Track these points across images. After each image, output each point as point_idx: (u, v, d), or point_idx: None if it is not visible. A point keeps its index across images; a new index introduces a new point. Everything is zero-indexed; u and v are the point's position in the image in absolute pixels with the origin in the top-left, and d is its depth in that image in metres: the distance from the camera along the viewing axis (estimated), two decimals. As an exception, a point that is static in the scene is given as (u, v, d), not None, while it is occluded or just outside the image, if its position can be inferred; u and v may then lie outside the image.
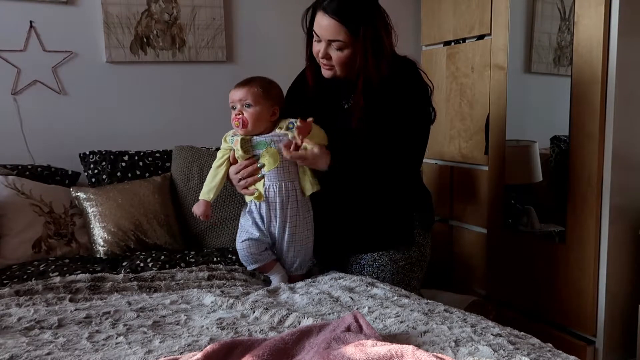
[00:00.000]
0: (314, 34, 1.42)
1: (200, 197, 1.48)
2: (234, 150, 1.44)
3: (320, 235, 1.55)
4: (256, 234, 1.45)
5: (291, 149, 1.39)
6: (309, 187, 1.45)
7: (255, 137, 1.44)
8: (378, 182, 1.48)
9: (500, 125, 2.08)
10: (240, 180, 1.44)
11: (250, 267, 1.49)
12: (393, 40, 1.44)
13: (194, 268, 1.58)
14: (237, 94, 1.41)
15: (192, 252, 1.81)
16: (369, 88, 1.42)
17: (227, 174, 1.46)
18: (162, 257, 1.74)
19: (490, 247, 2.17)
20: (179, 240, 1.91)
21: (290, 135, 1.42)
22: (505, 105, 2.06)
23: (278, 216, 1.43)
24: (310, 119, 1.41)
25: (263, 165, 1.42)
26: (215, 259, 1.73)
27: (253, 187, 1.43)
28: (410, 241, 1.57)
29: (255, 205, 1.44)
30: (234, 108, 1.42)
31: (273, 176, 1.43)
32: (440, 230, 2.37)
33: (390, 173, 1.47)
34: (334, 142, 1.44)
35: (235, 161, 1.46)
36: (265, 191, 1.43)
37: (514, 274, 2.08)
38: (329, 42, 1.40)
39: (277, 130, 1.43)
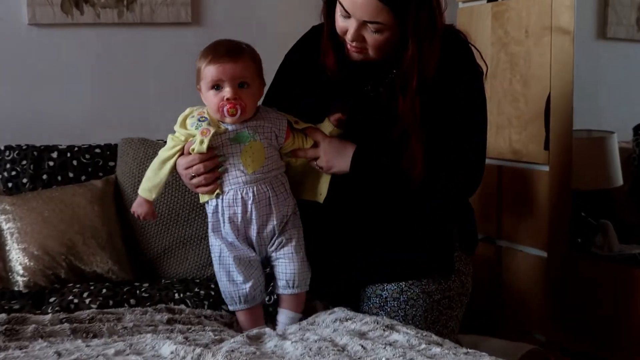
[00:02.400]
0: (341, 6, 1.43)
1: (139, 193, 1.51)
2: (193, 140, 1.45)
3: (325, 257, 1.57)
4: (240, 246, 1.48)
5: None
6: (323, 189, 1.53)
7: (231, 127, 1.46)
8: (422, 196, 1.52)
9: (566, 110, 2.07)
10: (192, 177, 1.46)
11: (233, 308, 1.52)
12: (443, 8, 1.47)
13: (148, 308, 1.58)
14: (227, 70, 1.42)
15: (146, 285, 1.80)
16: (423, 83, 1.44)
17: (173, 169, 1.50)
18: (104, 290, 1.73)
19: (553, 276, 2.16)
20: (126, 267, 1.89)
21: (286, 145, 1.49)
22: (571, 82, 2.04)
23: (257, 222, 1.48)
24: (337, 115, 1.51)
25: (224, 160, 1.45)
26: (176, 294, 1.74)
27: (211, 186, 1.46)
28: (449, 267, 1.58)
29: (222, 206, 1.47)
30: (217, 88, 1.43)
31: (256, 177, 1.46)
32: (485, 253, 2.33)
33: (440, 190, 1.51)
34: (357, 139, 1.49)
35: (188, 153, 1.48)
36: (240, 195, 1.46)
37: (585, 313, 2.07)
38: (364, 22, 1.42)
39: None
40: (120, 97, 2.29)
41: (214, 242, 1.51)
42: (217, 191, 1.47)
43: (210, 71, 1.42)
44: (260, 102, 1.54)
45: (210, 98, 1.44)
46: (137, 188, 1.94)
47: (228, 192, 1.46)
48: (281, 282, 1.52)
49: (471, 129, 1.52)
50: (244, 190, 1.46)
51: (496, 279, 2.36)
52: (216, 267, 1.52)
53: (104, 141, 2.11)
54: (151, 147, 2.01)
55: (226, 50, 1.44)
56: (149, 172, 1.51)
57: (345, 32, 1.45)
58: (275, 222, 1.48)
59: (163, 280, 1.89)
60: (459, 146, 1.50)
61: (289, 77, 1.64)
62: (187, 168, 1.46)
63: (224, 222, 1.48)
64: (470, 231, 1.70)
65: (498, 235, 2.36)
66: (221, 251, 1.50)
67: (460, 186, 1.54)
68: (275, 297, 1.60)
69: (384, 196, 1.55)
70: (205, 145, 1.43)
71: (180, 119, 1.49)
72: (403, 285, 1.56)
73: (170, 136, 1.51)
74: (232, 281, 1.50)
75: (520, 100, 2.24)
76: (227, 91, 1.42)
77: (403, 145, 1.47)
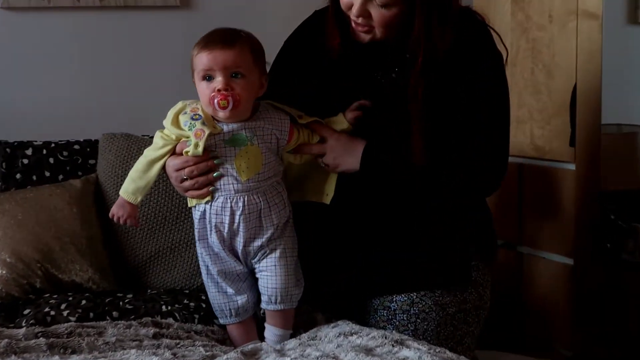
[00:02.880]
0: None
1: (121, 194, 1.51)
2: (188, 143, 1.45)
3: (328, 264, 1.58)
4: (226, 258, 1.49)
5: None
6: (330, 191, 1.53)
7: (227, 127, 1.45)
8: (434, 194, 1.52)
9: (593, 102, 2.08)
10: (183, 180, 1.46)
11: (223, 321, 1.54)
12: None
13: (132, 322, 1.57)
14: (220, 58, 1.42)
15: (130, 296, 1.78)
16: (429, 65, 1.45)
17: (162, 171, 1.50)
18: (84, 302, 1.71)
19: (579, 285, 2.15)
20: (109, 276, 1.88)
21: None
22: (599, 72, 2.05)
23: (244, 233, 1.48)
24: (355, 113, 1.51)
25: (220, 163, 1.45)
26: (163, 306, 1.71)
27: (203, 191, 1.46)
28: (465, 277, 1.58)
29: (210, 213, 1.48)
30: (208, 78, 1.43)
31: (249, 186, 1.45)
32: (504, 260, 2.35)
33: (458, 185, 1.51)
34: (366, 132, 1.50)
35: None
36: (230, 204, 1.46)
37: (616, 325, 2.06)
38: None
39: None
40: (101, 88, 2.29)
41: (201, 252, 1.52)
42: (207, 197, 1.47)
43: (201, 59, 1.42)
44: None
45: (202, 90, 1.44)
46: (119, 189, 1.91)
47: (217, 199, 1.47)
48: (264, 297, 1.53)
49: (491, 120, 1.50)
50: (234, 199, 1.46)
51: (517, 289, 2.35)
52: (204, 277, 1.53)
53: (83, 137, 2.09)
54: (135, 144, 1.99)
55: (220, 37, 1.44)
56: (133, 173, 1.50)
57: (350, 7, 1.45)
58: (264, 238, 1.48)
59: (149, 291, 1.86)
60: (475, 140, 1.49)
61: (289, 65, 1.64)
62: (178, 170, 1.46)
63: (210, 230, 1.49)
64: (489, 237, 1.69)
65: (519, 241, 2.35)
66: (207, 263, 1.52)
67: (476, 185, 1.53)
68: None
69: (394, 197, 1.55)
70: (200, 149, 1.43)
71: (171, 114, 1.48)
72: (414, 297, 1.56)
73: (159, 133, 1.50)
74: (222, 292, 1.52)
75: (543, 92, 2.22)
76: (218, 81, 1.42)
77: (402, 135, 1.48)
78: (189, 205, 1.51)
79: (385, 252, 1.57)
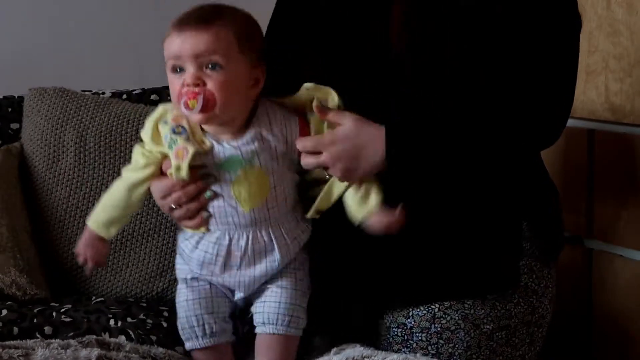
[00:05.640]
0: None
1: (90, 226, 1.52)
2: (169, 163, 1.46)
3: (326, 273, 1.58)
4: (206, 281, 1.53)
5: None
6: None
7: (219, 147, 1.46)
8: (482, 164, 1.53)
9: None
10: (174, 208, 1.50)
11: (190, 345, 1.53)
12: None
13: (70, 340, 1.55)
14: (189, 42, 1.42)
15: (67, 306, 1.80)
16: None
17: (146, 195, 1.53)
18: (5, 312, 1.72)
19: None
20: (39, 280, 1.87)
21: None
22: None
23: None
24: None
25: (210, 183, 1.47)
26: (112, 321, 1.72)
27: (196, 220, 1.50)
28: (510, 281, 1.58)
29: (202, 244, 1.52)
30: (177, 71, 1.44)
31: (255, 219, 1.48)
32: (568, 258, 2.28)
33: (513, 146, 1.53)
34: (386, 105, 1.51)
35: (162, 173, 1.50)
36: (228, 239, 1.49)
37: None
38: None
39: (267, 130, 1.48)
40: (26, 29, 2.32)
41: (181, 267, 1.57)
42: (202, 228, 1.50)
43: (170, 44, 1.44)
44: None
45: (172, 85, 1.45)
46: (54, 163, 1.95)
47: (213, 233, 1.50)
48: (259, 316, 1.53)
49: (557, 39, 1.52)
50: (236, 235, 1.48)
51: (584, 295, 2.34)
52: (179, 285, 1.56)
53: (2, 93, 2.12)
54: (73, 102, 2.01)
55: (195, 15, 1.45)
56: (106, 199, 1.52)
57: None
58: (267, 275, 1.52)
59: (94, 299, 1.87)
60: (538, 56, 1.50)
61: (286, 23, 1.68)
62: (164, 197, 1.49)
63: (200, 265, 1.52)
64: (551, 225, 1.68)
65: (588, 233, 2.33)
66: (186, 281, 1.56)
67: (540, 124, 1.55)
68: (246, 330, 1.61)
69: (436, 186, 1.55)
70: (184, 172, 1.44)
71: (149, 125, 1.49)
72: (436, 310, 1.56)
73: (139, 148, 1.51)
74: (198, 300, 1.53)
75: (623, 33, 2.21)
76: (188, 73, 1.42)
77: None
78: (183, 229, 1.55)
79: (398, 252, 1.57)
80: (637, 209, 2.22)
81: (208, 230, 1.49)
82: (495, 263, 1.57)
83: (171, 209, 1.50)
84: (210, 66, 1.41)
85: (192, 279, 1.54)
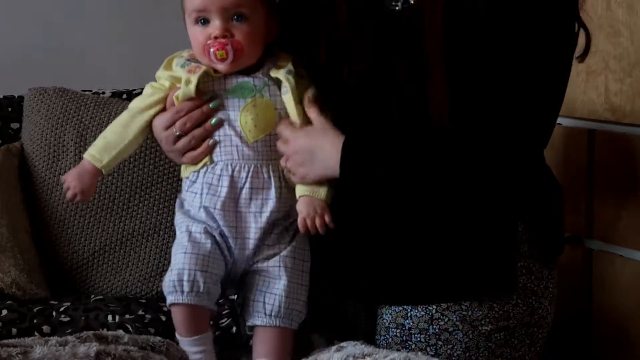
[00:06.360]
0: None
1: (85, 157, 1.54)
2: (179, 88, 1.49)
3: (323, 270, 1.58)
4: (208, 236, 1.51)
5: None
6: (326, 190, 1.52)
7: (232, 76, 1.49)
8: (466, 171, 1.50)
9: None
10: (176, 138, 1.51)
11: (173, 298, 1.51)
12: None
13: (68, 337, 1.49)
14: None
15: (67, 304, 1.81)
16: None
17: (149, 128, 1.54)
18: (5, 312, 1.75)
19: None
20: (38, 279, 1.89)
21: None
22: None
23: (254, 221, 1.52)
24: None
25: (218, 105, 1.49)
26: (110, 316, 1.74)
27: (201, 149, 1.50)
28: (508, 285, 1.57)
29: (203, 183, 1.51)
30: (203, 22, 1.47)
31: (258, 152, 1.49)
32: (568, 259, 2.25)
33: (491, 160, 1.49)
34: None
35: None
36: (231, 172, 1.49)
37: None
38: None
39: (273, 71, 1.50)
40: (27, 29, 2.32)
41: (181, 219, 1.56)
42: (205, 160, 1.50)
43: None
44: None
45: (195, 36, 1.48)
46: (54, 163, 1.96)
47: (215, 165, 1.51)
48: (256, 307, 1.53)
49: (537, 56, 1.47)
50: (237, 167, 1.50)
51: (585, 294, 2.31)
52: (178, 236, 1.55)
53: (3, 93, 2.12)
54: (73, 101, 2.02)
55: None
56: (109, 130, 1.55)
57: None
58: (267, 217, 1.51)
59: (93, 297, 1.88)
60: (509, 85, 1.46)
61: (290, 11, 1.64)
62: (167, 127, 1.51)
63: (200, 206, 1.52)
64: (550, 227, 1.67)
65: (588, 233, 2.29)
66: (188, 224, 1.54)
67: (515, 133, 1.49)
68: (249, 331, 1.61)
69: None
70: (192, 86, 1.47)
71: (165, 62, 1.54)
72: (433, 311, 1.56)
73: (149, 85, 1.56)
74: (195, 255, 1.51)
75: (623, 33, 2.17)
76: (214, 26, 1.45)
77: (418, 84, 1.47)
78: (183, 175, 1.55)
79: (395, 251, 1.56)
80: (637, 209, 2.21)
81: (212, 161, 1.50)
82: (491, 266, 1.56)
83: (175, 140, 1.51)
84: (236, 17, 1.45)
85: (195, 232, 1.53)
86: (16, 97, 2.10)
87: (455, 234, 1.55)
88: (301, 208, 1.49)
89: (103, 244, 1.96)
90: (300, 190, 1.51)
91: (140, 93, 2.05)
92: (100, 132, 1.55)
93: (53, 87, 2.06)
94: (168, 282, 1.52)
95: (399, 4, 1.54)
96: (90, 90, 2.12)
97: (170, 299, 1.51)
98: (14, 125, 2.07)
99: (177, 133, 1.50)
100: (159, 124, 1.52)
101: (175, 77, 1.51)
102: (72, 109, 2.01)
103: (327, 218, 1.49)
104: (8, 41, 2.34)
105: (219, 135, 1.50)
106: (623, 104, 2.22)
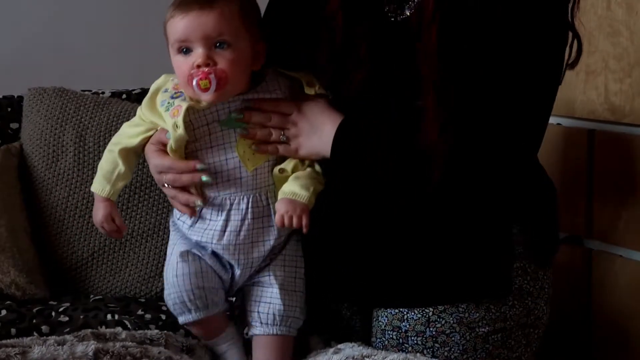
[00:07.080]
0: None
1: (92, 190, 1.53)
2: (168, 135, 1.48)
3: (320, 272, 1.58)
4: (196, 255, 1.52)
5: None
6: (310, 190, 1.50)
7: (223, 104, 1.48)
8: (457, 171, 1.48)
9: None
10: (166, 184, 1.51)
11: (183, 319, 1.52)
12: None
13: (66, 336, 1.54)
14: (196, 23, 1.43)
15: (66, 304, 1.82)
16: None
17: (141, 152, 1.54)
18: (4, 312, 1.75)
19: None
20: (37, 279, 1.89)
21: None
22: None
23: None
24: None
25: (205, 168, 1.47)
26: (109, 315, 1.75)
27: (191, 195, 1.49)
28: (504, 286, 1.57)
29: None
30: (186, 51, 1.45)
31: (257, 180, 1.49)
32: (567, 259, 2.28)
33: (478, 160, 1.48)
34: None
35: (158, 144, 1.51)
36: (229, 206, 1.49)
37: None
38: None
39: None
40: (26, 28, 2.32)
41: (175, 241, 1.56)
42: (198, 202, 1.49)
43: (174, 26, 1.44)
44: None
45: (179, 66, 1.45)
46: (53, 163, 1.97)
47: (214, 199, 1.49)
48: (254, 315, 1.54)
49: (530, 63, 1.47)
50: (236, 199, 1.49)
51: (584, 294, 2.30)
52: (169, 255, 1.54)
53: (2, 92, 2.13)
54: (73, 101, 2.02)
55: None
56: (103, 157, 1.54)
57: None
58: (265, 248, 1.51)
59: (92, 297, 1.89)
60: (503, 91, 1.46)
61: (278, 11, 1.65)
62: (160, 172, 1.50)
63: (200, 232, 1.52)
64: (550, 228, 1.67)
65: (587, 233, 2.29)
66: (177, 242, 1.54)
67: (506, 134, 1.49)
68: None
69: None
70: (181, 131, 1.44)
71: (151, 89, 1.52)
72: (430, 313, 1.55)
73: (139, 113, 1.55)
74: (189, 275, 1.51)
75: (623, 33, 2.16)
76: (197, 54, 1.43)
77: (413, 105, 1.46)
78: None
79: (391, 254, 1.56)
80: (637, 209, 2.20)
81: (206, 201, 1.49)
82: (487, 268, 1.56)
83: (164, 186, 1.51)
84: (218, 45, 1.43)
85: (187, 252, 1.52)
86: (16, 97, 2.10)
87: (451, 237, 1.55)
88: (280, 206, 1.47)
89: (102, 244, 1.96)
90: (282, 193, 1.50)
91: (140, 93, 2.10)
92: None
93: (52, 87, 2.06)
94: (172, 305, 1.53)
95: (393, 14, 1.54)
96: (90, 90, 2.12)
97: (181, 320, 1.53)
98: (14, 125, 2.07)
99: (165, 182, 1.50)
100: (153, 165, 1.52)
101: (157, 121, 1.49)
102: (72, 109, 2.01)
103: (304, 220, 1.47)
104: (8, 41, 2.34)
105: (216, 169, 1.49)
106: (623, 104, 2.22)
